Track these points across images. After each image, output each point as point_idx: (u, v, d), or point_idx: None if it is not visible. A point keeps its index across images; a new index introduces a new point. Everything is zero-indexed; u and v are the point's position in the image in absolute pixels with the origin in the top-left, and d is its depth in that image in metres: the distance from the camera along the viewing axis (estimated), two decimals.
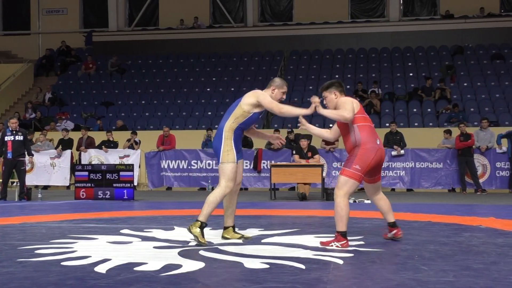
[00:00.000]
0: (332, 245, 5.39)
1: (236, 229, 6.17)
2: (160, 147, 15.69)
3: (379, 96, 19.13)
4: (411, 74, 20.81)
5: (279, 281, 3.97)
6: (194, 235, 5.55)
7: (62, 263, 4.62)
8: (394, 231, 5.82)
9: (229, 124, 5.83)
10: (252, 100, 5.86)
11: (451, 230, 6.69)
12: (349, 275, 4.19)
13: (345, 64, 21.89)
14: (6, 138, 12.02)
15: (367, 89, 19.55)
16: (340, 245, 5.37)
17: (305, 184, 12.28)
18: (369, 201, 11.32)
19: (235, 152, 5.80)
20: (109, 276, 4.16)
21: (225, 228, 6.04)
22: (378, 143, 5.62)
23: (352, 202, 11.37)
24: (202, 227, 5.60)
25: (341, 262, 4.64)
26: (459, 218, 8.08)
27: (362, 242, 5.69)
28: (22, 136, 12.11)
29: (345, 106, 5.57)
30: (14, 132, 12.03)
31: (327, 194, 11.99)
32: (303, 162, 12.44)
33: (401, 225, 7.18)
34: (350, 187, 5.48)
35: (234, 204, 6.09)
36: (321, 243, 5.54)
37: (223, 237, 5.97)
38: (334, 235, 5.53)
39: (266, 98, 5.86)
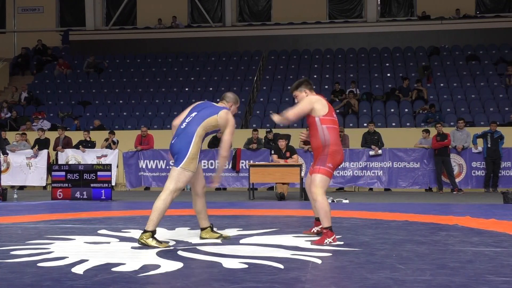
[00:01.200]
0: (326, 243, 5.53)
1: (215, 229, 6.15)
2: (138, 147, 15.61)
3: (357, 96, 19.25)
4: (388, 75, 20.96)
5: (258, 281, 3.98)
6: (153, 246, 5.33)
7: (39, 264, 4.57)
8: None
9: (200, 131, 5.64)
10: (225, 119, 5.74)
11: (428, 229, 6.76)
12: (327, 274, 4.20)
13: (323, 64, 21.97)
14: None
15: (345, 89, 19.65)
16: (332, 240, 5.57)
17: (283, 184, 12.30)
18: (347, 201, 11.39)
19: (197, 161, 5.67)
20: (86, 277, 4.12)
21: (203, 229, 6.01)
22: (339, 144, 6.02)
23: (330, 202, 11.42)
24: (153, 236, 5.41)
25: (319, 261, 4.66)
26: (436, 217, 8.17)
27: (340, 242, 5.71)
28: None
29: (300, 104, 5.90)
30: None
31: (306, 194, 12.00)
32: (282, 162, 12.47)
33: (379, 224, 7.25)
34: (326, 184, 5.80)
35: (205, 206, 6.03)
36: (313, 243, 5.60)
37: (202, 238, 5.95)
38: (319, 234, 5.59)
39: (232, 127, 5.80)
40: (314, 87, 6.25)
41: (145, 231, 5.41)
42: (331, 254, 4.99)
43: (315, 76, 21.18)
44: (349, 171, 14.91)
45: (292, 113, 5.82)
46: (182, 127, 5.71)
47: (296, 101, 6.08)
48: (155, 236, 5.43)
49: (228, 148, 5.83)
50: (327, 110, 5.85)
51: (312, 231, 6.29)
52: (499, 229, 6.68)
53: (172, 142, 5.68)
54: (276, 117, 5.96)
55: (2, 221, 7.92)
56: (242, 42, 23.28)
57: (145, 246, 5.33)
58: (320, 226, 5.90)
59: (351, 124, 17.98)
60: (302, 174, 12.43)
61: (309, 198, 6.07)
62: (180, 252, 5.11)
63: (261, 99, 20.06)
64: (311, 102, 5.87)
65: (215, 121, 5.70)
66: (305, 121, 17.74)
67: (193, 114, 5.78)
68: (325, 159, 5.78)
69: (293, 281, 3.95)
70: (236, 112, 6.09)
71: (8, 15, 25.95)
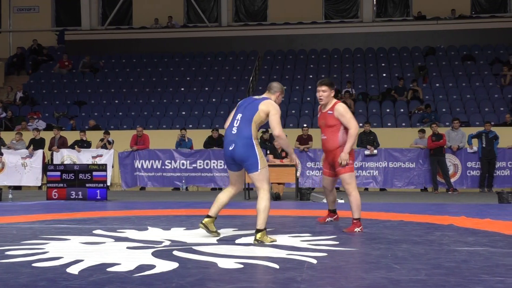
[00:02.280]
0: (356, 231, 6.44)
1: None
2: (133, 147, 15.59)
3: (353, 96, 19.26)
4: (384, 75, 20.99)
5: (253, 281, 3.98)
6: (269, 242, 5.65)
7: (34, 265, 4.56)
8: (336, 216, 7.39)
9: (254, 133, 5.89)
10: (267, 110, 5.96)
11: (423, 229, 6.77)
12: (323, 274, 4.21)
13: (319, 64, 21.99)
14: None
15: (341, 89, 19.67)
16: (360, 229, 6.46)
17: (279, 184, 12.30)
18: (342, 201, 11.40)
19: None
20: (81, 277, 4.12)
21: (208, 217, 6.03)
22: None
23: (325, 202, 11.42)
24: (265, 232, 5.78)
25: (315, 261, 4.66)
26: (431, 217, 8.18)
27: (336, 242, 5.72)
28: None
29: (348, 116, 6.65)
30: None
31: (301, 194, 12.02)
32: (277, 162, 12.47)
33: (374, 224, 7.26)
34: (355, 179, 6.73)
35: (227, 202, 6.14)
36: (345, 230, 6.51)
37: (202, 224, 5.99)
38: (308, 234, 5.58)
39: (277, 115, 5.96)
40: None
41: (258, 230, 5.72)
42: (326, 254, 5.00)
43: (311, 76, 21.19)
44: None
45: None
46: (233, 132, 5.89)
47: (318, 95, 6.90)
48: (266, 231, 5.86)
49: (286, 142, 6.06)
50: None
51: (326, 220, 7.36)
52: (494, 229, 6.70)
53: (231, 149, 5.83)
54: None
55: None
56: (238, 42, 23.28)
57: (262, 243, 5.62)
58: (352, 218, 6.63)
59: None
60: (298, 174, 12.44)
61: (327, 193, 7.21)
62: (175, 252, 5.11)
63: None
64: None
65: (259, 117, 5.92)
66: (301, 121, 17.77)
67: (239, 117, 5.96)
68: (347, 159, 6.67)
69: (288, 281, 3.95)
70: (280, 101, 6.34)
71: (3, 14, 25.88)
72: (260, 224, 5.72)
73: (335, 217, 7.41)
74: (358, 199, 6.58)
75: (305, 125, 15.79)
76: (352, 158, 6.69)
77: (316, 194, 12.75)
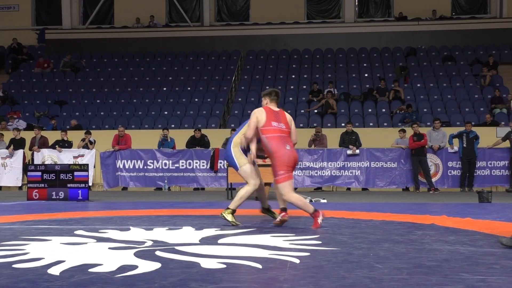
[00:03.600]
0: (320, 222, 6.74)
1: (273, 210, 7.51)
2: (115, 146, 15.51)
3: (335, 96, 19.34)
4: (366, 75, 21.10)
5: (236, 281, 3.97)
6: (228, 220, 6.91)
7: (14, 266, 4.51)
8: (283, 214, 7.08)
9: (237, 140, 7.11)
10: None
11: (405, 229, 6.81)
12: (305, 274, 4.21)
13: (301, 64, 22.04)
14: None
15: (323, 89, 19.74)
16: (322, 217, 6.77)
17: (266, 184, 12.27)
18: (325, 201, 11.43)
19: (244, 155, 7.06)
20: (63, 278, 4.08)
21: (262, 208, 7.68)
22: (288, 148, 6.74)
23: (308, 201, 11.45)
24: (232, 213, 6.98)
25: (297, 261, 4.67)
26: (413, 216, 8.23)
27: (318, 241, 5.74)
28: None
29: (250, 122, 6.84)
30: None
31: None
32: (260, 162, 12.45)
33: (357, 224, 7.29)
34: (289, 186, 6.77)
35: (264, 193, 7.74)
36: (313, 227, 6.67)
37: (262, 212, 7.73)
38: (291, 234, 5.58)
39: (250, 120, 6.87)
40: (276, 98, 7.07)
41: (227, 208, 6.95)
42: (309, 254, 5.01)
43: (293, 76, 21.24)
44: (327, 171, 14.98)
45: (247, 133, 6.77)
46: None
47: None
48: (233, 213, 6.97)
49: (246, 133, 6.90)
50: (265, 120, 6.70)
51: (278, 220, 7.13)
52: (474, 228, 6.76)
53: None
54: (251, 155, 7.06)
55: None
56: (220, 42, 23.26)
57: (224, 218, 6.95)
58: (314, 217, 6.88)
59: (329, 124, 18.06)
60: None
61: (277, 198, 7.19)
62: (158, 253, 5.09)
63: (239, 99, 20.06)
64: (254, 114, 6.80)
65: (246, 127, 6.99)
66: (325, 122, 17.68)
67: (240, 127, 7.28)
68: (275, 169, 6.72)
69: (271, 281, 3.96)
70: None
71: None
72: (232, 204, 7.02)
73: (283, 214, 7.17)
74: (299, 199, 6.90)
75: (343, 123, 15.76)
76: (282, 166, 6.78)
77: (298, 194, 12.77)
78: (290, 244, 5.59)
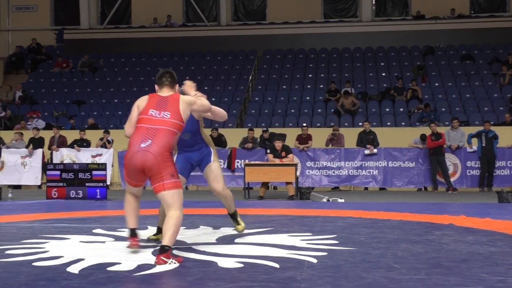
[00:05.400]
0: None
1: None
2: None
3: (352, 95, 19.25)
4: (383, 74, 20.99)
5: (253, 280, 3.98)
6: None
7: (34, 264, 4.56)
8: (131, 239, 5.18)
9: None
10: None
11: (423, 229, 6.77)
12: (322, 273, 4.21)
13: (318, 64, 21.99)
14: None
15: (340, 88, 19.67)
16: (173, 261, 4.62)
17: (287, 183, 12.28)
18: (342, 200, 11.40)
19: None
20: (81, 276, 4.12)
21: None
22: (143, 146, 4.82)
23: (325, 201, 11.44)
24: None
25: (315, 261, 4.66)
26: (431, 216, 8.18)
27: (335, 241, 5.72)
28: None
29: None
30: None
31: (301, 193, 12.04)
32: (277, 161, 12.47)
33: (374, 224, 7.25)
34: (129, 189, 5.13)
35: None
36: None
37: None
38: (309, 234, 5.56)
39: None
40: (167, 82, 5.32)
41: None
42: (326, 254, 5.00)
43: (310, 76, 21.20)
44: (344, 170, 14.93)
45: (126, 128, 5.14)
46: None
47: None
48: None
49: None
50: (143, 108, 5.05)
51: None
52: (493, 228, 6.70)
53: None
54: None
55: None
56: (237, 42, 23.26)
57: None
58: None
59: (346, 124, 18.00)
60: (298, 173, 12.44)
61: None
62: (175, 252, 5.11)
63: (256, 99, 20.06)
64: (135, 103, 5.19)
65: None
66: (301, 121, 17.75)
67: None
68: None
69: (288, 280, 3.96)
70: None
71: (2, 13, 25.83)
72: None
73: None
74: (127, 208, 5.25)
75: (304, 124, 15.79)
76: (125, 166, 5.02)
77: (316, 193, 12.76)
78: (307, 243, 5.58)
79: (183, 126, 5.08)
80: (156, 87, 5.26)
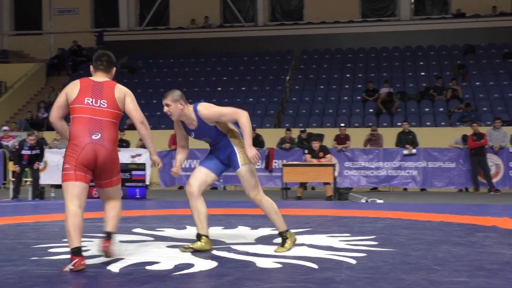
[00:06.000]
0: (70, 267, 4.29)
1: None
2: (172, 146, 15.72)
3: (390, 94, 19.05)
4: (422, 74, 20.72)
5: (292, 281, 3.97)
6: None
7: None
8: (103, 244, 4.77)
9: None
10: None
11: (465, 230, 6.66)
12: (361, 275, 4.17)
13: (356, 63, 21.83)
14: (23, 152, 12.22)
15: (378, 88, 19.49)
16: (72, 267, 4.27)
17: (325, 184, 12.23)
18: (381, 201, 11.29)
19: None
20: (121, 275, 4.17)
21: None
22: (95, 138, 4.55)
23: (364, 202, 11.35)
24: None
25: (354, 262, 4.63)
26: (473, 218, 8.04)
27: (375, 242, 5.67)
28: (39, 151, 12.38)
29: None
30: (31, 147, 12.22)
31: (339, 194, 11.97)
32: (315, 161, 12.42)
33: (414, 225, 7.16)
34: (71, 191, 4.50)
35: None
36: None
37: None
38: (347, 234, 5.51)
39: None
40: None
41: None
42: (365, 255, 4.96)
43: (348, 75, 21.06)
44: (383, 170, 14.78)
45: (51, 114, 4.77)
46: None
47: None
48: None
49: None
50: (76, 95, 4.63)
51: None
52: None
53: None
54: None
55: (40, 219, 8.06)
56: (274, 42, 23.25)
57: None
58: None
59: (384, 124, 17.83)
60: (336, 173, 12.37)
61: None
62: (214, 252, 5.13)
63: (294, 99, 20.03)
64: (64, 89, 4.76)
65: None
66: (338, 121, 17.65)
67: None
68: (64, 158, 4.58)
69: (327, 281, 3.93)
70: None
71: (44, 17, 26.40)
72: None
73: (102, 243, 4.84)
74: (68, 218, 4.46)
75: (342, 124, 15.68)
76: (69, 160, 4.52)
77: (354, 194, 12.68)
78: (346, 244, 5.55)
79: (121, 115, 4.88)
80: (91, 68, 4.91)
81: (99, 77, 4.82)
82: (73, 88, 4.66)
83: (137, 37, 24.66)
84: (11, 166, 12.99)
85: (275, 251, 5.14)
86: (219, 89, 21.01)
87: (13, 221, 7.73)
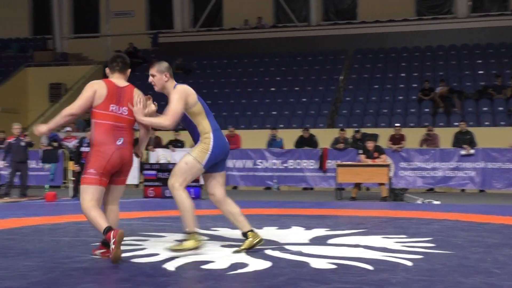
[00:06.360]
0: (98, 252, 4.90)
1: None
2: None
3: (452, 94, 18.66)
4: (480, 72, 20.21)
5: (346, 282, 3.94)
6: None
7: (132, 260, 4.73)
8: (103, 250, 4.88)
9: None
10: None
11: None
12: (418, 277, 4.10)
13: (411, 62, 21.48)
14: (82, 149, 12.47)
15: (434, 87, 19.13)
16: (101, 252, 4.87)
17: (380, 184, 12.10)
18: (438, 202, 11.08)
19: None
20: (177, 274, 4.23)
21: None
22: (119, 143, 4.98)
23: (420, 203, 11.17)
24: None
25: (410, 264, 4.56)
26: None
27: (432, 244, 5.56)
28: None
29: (82, 95, 4.90)
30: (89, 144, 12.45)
31: (395, 194, 11.81)
32: (369, 162, 12.30)
33: (473, 227, 6.98)
34: (92, 193, 4.81)
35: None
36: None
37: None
38: (403, 236, 5.43)
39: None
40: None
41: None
42: (422, 257, 4.87)
43: (403, 75, 20.75)
44: (440, 171, 14.50)
45: (74, 109, 4.88)
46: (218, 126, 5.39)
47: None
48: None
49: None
50: (102, 100, 4.89)
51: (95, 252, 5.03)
52: None
53: (227, 142, 5.45)
54: None
55: None
56: (327, 41, 23.12)
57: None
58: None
59: (441, 123, 17.48)
60: (391, 174, 12.22)
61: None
62: (268, 251, 5.14)
63: (347, 99, 19.87)
64: (92, 87, 4.93)
65: None
66: (393, 120, 17.40)
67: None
68: (87, 163, 4.92)
69: (382, 283, 3.89)
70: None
71: (102, 20, 27.04)
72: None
73: (103, 251, 4.92)
74: (92, 217, 4.79)
75: (397, 124, 15.47)
76: (95, 165, 4.85)
77: (410, 195, 12.48)
78: (402, 246, 5.47)
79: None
80: (107, 70, 5.15)
81: (118, 80, 5.07)
82: (101, 90, 4.90)
83: (191, 38, 24.95)
84: (71, 166, 13.33)
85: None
86: (273, 89, 21.03)
87: (72, 219, 7.93)
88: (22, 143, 12.77)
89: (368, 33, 22.97)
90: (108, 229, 4.62)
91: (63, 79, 23.69)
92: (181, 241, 5.12)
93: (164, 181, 12.17)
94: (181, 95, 5.17)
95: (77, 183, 12.62)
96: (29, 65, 24.51)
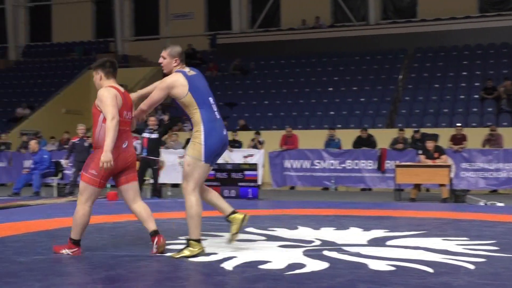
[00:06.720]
0: (62, 252, 5.08)
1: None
2: (283, 146, 15.84)
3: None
4: None
5: (406, 284, 3.88)
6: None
7: (190, 259, 4.79)
8: (156, 239, 5.08)
9: None
10: None
11: None
12: (481, 281, 4.00)
13: (473, 61, 20.93)
14: (144, 134, 12.46)
15: (497, 85, 18.59)
16: (71, 252, 5.06)
17: (440, 185, 11.87)
18: (502, 204, 10.76)
19: None
20: (235, 273, 4.26)
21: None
22: (124, 146, 5.10)
23: (483, 204, 10.88)
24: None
25: (472, 267, 4.45)
26: None
27: (495, 247, 5.41)
28: (158, 135, 12.51)
29: (106, 101, 5.01)
30: (152, 130, 12.42)
31: (456, 196, 11.55)
32: (429, 162, 12.06)
33: None
34: (90, 193, 5.05)
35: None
36: (54, 248, 5.20)
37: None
38: (465, 238, 5.30)
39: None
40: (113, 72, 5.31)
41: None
42: (485, 260, 4.75)
43: (464, 73, 20.25)
44: (504, 172, 14.07)
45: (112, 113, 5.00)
46: (218, 117, 5.31)
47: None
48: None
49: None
50: (120, 106, 5.07)
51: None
52: None
53: (225, 133, 5.26)
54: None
55: (158, 216, 8.37)
56: (386, 40, 22.80)
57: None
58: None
59: (504, 123, 16.97)
60: (452, 175, 11.95)
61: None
62: (325, 252, 5.12)
63: (407, 98, 19.54)
64: (110, 93, 5.08)
65: None
66: (454, 120, 17.02)
67: (212, 100, 5.47)
68: (90, 164, 5.05)
69: (443, 286, 3.81)
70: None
71: (161, 22, 27.53)
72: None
73: (155, 240, 5.13)
74: (80, 216, 5.05)
75: (458, 124, 15.11)
76: (98, 167, 4.96)
77: (472, 196, 12.18)
78: (463, 248, 5.34)
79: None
80: (101, 74, 5.24)
81: (115, 84, 5.26)
82: (119, 98, 5.12)
83: (249, 39, 25.07)
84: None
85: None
86: (330, 89, 20.91)
87: (133, 218, 8.09)
88: (86, 144, 13.11)
89: (429, 32, 22.51)
90: (79, 241, 5.06)
91: (125, 80, 24.19)
92: (181, 249, 5.02)
93: (223, 181, 12.34)
94: (165, 85, 5.21)
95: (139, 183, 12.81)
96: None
